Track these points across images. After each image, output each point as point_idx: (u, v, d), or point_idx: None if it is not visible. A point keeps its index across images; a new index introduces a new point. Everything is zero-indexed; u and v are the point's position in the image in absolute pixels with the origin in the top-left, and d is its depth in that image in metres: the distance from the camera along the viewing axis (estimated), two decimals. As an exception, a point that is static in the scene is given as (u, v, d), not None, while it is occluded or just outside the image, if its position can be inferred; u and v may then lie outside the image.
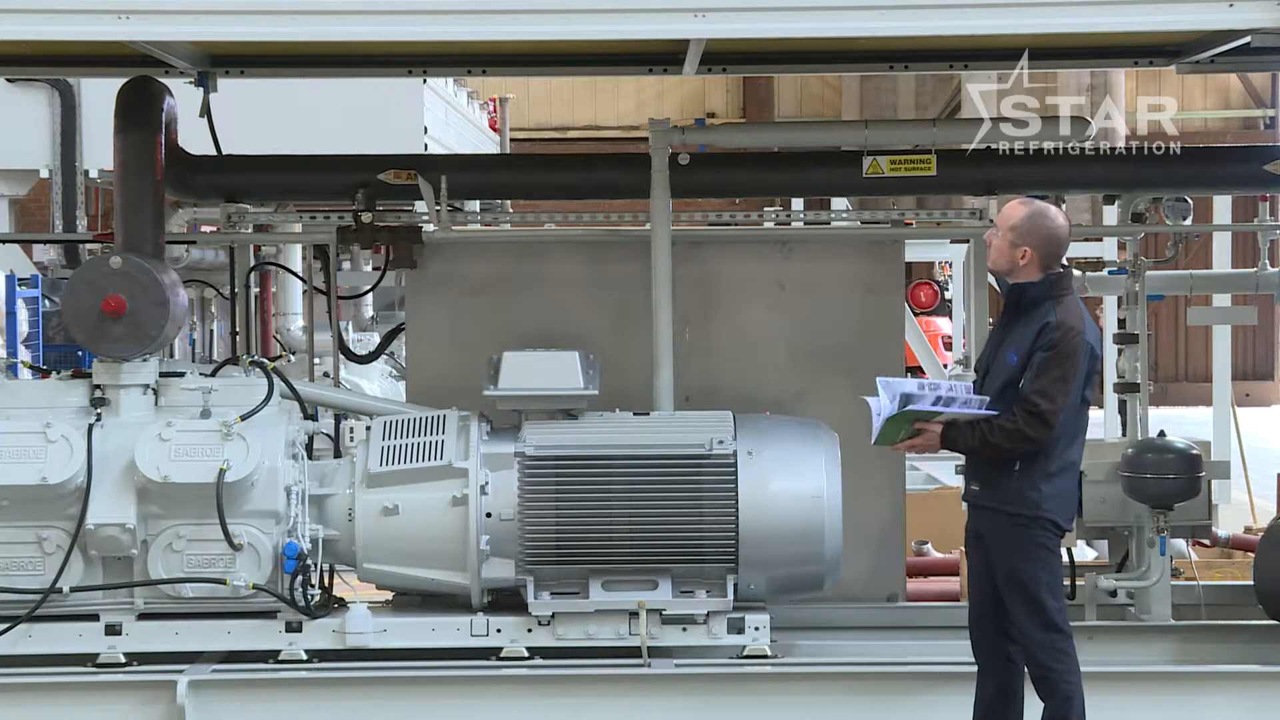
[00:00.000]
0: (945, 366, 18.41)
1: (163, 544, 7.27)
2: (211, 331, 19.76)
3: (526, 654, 7.37)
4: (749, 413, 7.64)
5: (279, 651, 7.38)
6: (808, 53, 8.10)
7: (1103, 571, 8.68)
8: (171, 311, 7.43)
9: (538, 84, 30.36)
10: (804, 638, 7.93)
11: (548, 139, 30.17)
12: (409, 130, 14.35)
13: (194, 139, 8.23)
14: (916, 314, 22.45)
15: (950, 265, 22.94)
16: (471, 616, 7.40)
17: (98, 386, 7.42)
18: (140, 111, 7.73)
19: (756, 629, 7.39)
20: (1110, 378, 13.93)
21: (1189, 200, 8.89)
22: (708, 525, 7.33)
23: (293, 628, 7.37)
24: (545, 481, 7.36)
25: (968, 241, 10.41)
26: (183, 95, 8.09)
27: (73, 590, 7.25)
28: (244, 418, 7.30)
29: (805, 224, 9.60)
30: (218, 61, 8.17)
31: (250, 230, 8.82)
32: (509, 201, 12.69)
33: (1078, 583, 8.39)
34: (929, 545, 11.42)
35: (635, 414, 7.61)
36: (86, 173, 15.20)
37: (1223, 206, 14.05)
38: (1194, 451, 8.22)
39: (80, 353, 11.09)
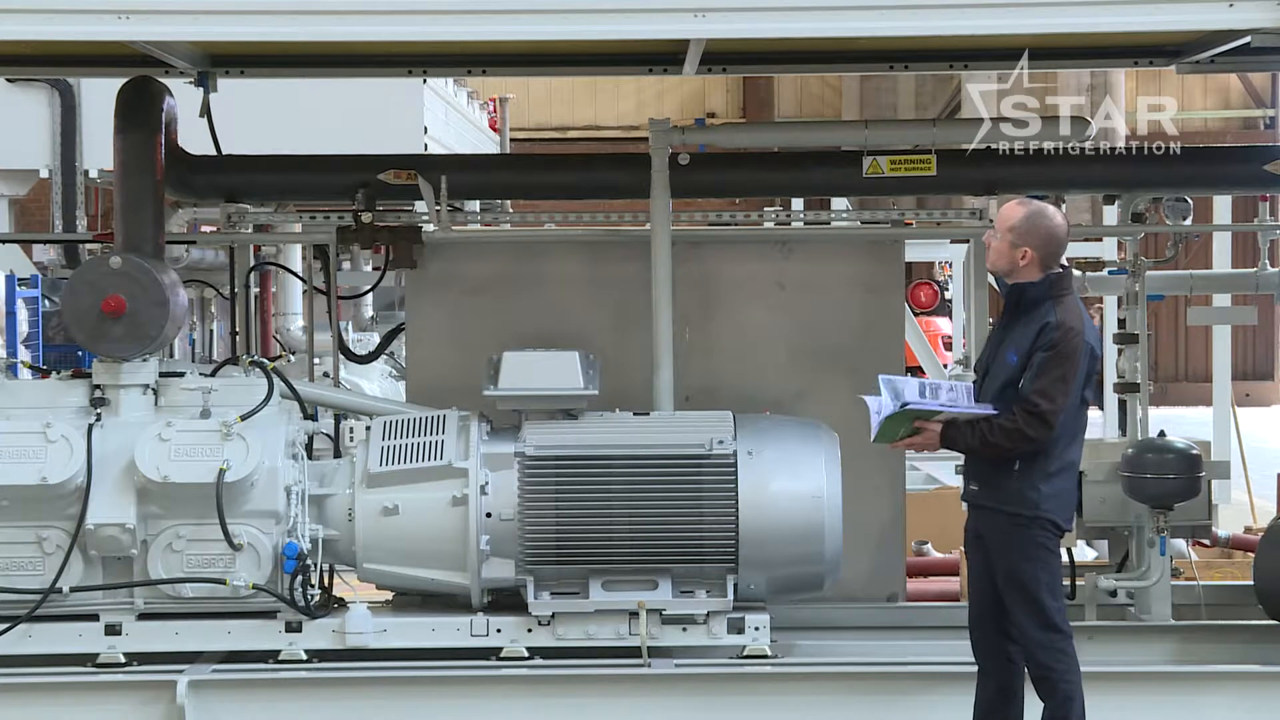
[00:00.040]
0: (945, 366, 18.41)
1: (163, 544, 7.27)
2: (211, 331, 19.76)
3: (526, 654, 7.37)
4: (749, 413, 7.64)
5: (279, 651, 7.38)
6: (808, 53, 8.10)
7: (1103, 571, 8.69)
8: (171, 311, 7.43)
9: (538, 84, 30.36)
10: (804, 638, 7.92)
11: (548, 139, 30.17)
12: (409, 130, 14.35)
13: (194, 139, 8.23)
14: (916, 314, 22.45)
15: (950, 265, 22.94)
16: (471, 616, 7.40)
17: (98, 386, 7.42)
18: (140, 111, 7.73)
19: (756, 629, 7.39)
20: (1110, 378, 13.95)
21: (1189, 200, 8.90)
22: (708, 525, 7.33)
23: (293, 628, 7.37)
24: (545, 481, 7.36)
25: (968, 241, 10.41)
26: (183, 95, 8.09)
27: (73, 590, 7.25)
28: (244, 418, 7.30)
29: (805, 224, 9.60)
30: (218, 61, 8.17)
31: (250, 230, 8.83)
32: (509, 201, 12.69)
33: (1078, 583, 8.39)
34: (929, 545, 11.42)
35: (635, 414, 7.61)
36: (86, 173, 15.20)
37: (1223, 206, 14.04)
38: (1194, 451, 8.22)
39: (80, 353, 11.10)
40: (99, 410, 7.37)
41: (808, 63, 8.60)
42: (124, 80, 7.81)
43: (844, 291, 8.53)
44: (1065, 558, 8.10)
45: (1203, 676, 7.47)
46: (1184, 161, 8.32)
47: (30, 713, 7.20)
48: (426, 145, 14.48)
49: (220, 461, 7.19)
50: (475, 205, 12.00)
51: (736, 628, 7.39)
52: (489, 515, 7.34)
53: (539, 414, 7.50)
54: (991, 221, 7.34)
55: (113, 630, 7.34)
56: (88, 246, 14.57)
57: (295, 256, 15.68)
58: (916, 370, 16.25)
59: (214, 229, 9.09)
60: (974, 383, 6.83)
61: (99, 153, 14.10)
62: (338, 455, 7.74)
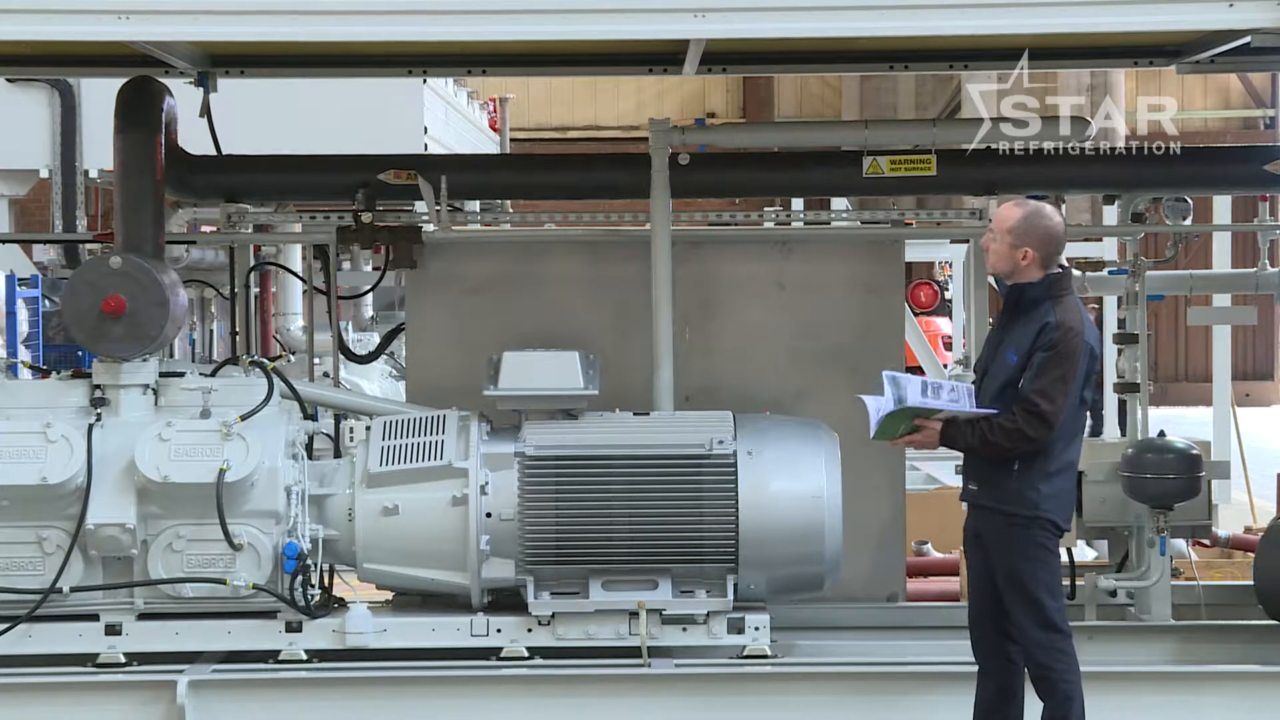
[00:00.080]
0: (945, 366, 18.41)
1: (163, 544, 7.27)
2: (211, 331, 19.76)
3: (526, 654, 7.37)
4: (749, 413, 7.64)
5: (279, 651, 7.38)
6: (808, 53, 8.10)
7: (1103, 571, 8.69)
8: (171, 311, 7.43)
9: (538, 84, 30.35)
10: (804, 638, 7.92)
11: (548, 139, 30.16)
12: (409, 130, 14.35)
13: (194, 139, 8.23)
14: (916, 314, 22.44)
15: (950, 265, 22.94)
16: (471, 616, 7.40)
17: (98, 386, 7.42)
18: (140, 111, 7.73)
19: (756, 629, 7.39)
20: (1110, 378, 13.95)
21: (1189, 200, 8.89)
22: (708, 525, 7.33)
23: (293, 628, 7.37)
24: (545, 481, 7.36)
25: (968, 241, 10.42)
26: (183, 95, 8.09)
27: (73, 590, 7.24)
28: (244, 418, 7.30)
29: (805, 224, 9.60)
30: (218, 61, 8.17)
31: (250, 230, 8.82)
32: (509, 201, 12.69)
33: (1078, 583, 8.40)
34: (929, 545, 11.42)
35: (635, 414, 7.61)
36: (86, 173, 15.20)
37: (1223, 206, 14.05)
38: (1194, 451, 8.23)
39: (80, 353, 11.10)
40: (99, 410, 7.37)
41: (808, 63, 8.60)
42: (124, 80, 7.81)
43: (844, 291, 8.53)
44: (1065, 558, 8.11)
45: (1203, 676, 7.47)
46: (1184, 161, 8.32)
47: (30, 713, 7.20)
48: (426, 145, 14.48)
49: (220, 461, 7.19)
50: (475, 205, 12.00)
51: (736, 628, 7.39)
52: (489, 515, 7.34)
53: (539, 414, 7.50)
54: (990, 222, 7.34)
55: (113, 630, 7.34)
56: (88, 246, 14.58)
57: (295, 256, 15.69)
58: (917, 370, 16.25)
59: (214, 229, 9.09)
60: (973, 383, 6.82)
61: (99, 153, 14.10)
62: (338, 455, 7.74)
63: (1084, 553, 10.19)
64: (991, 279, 7.21)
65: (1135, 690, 7.35)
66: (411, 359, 8.78)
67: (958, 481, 7.90)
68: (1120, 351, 9.07)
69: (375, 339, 13.67)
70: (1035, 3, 6.60)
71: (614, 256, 8.46)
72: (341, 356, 9.03)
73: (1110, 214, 10.64)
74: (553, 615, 7.36)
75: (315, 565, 7.36)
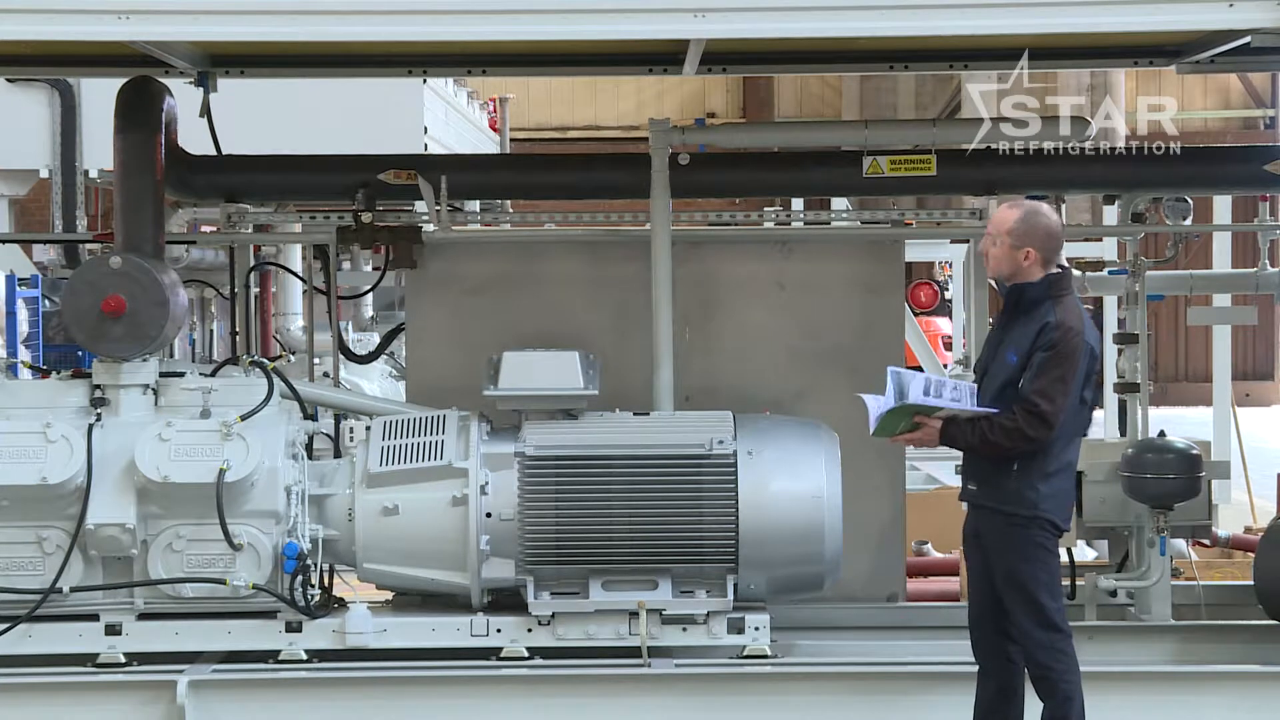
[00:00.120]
0: (945, 366, 18.41)
1: (163, 544, 7.27)
2: (211, 331, 19.76)
3: (526, 654, 7.37)
4: (749, 413, 7.64)
5: (279, 651, 7.38)
6: (808, 53, 8.10)
7: (1103, 571, 8.69)
8: (171, 311, 7.43)
9: (538, 84, 30.35)
10: (804, 638, 7.92)
11: (548, 139, 30.17)
12: (409, 130, 14.35)
13: (194, 139, 8.23)
14: (916, 314, 22.43)
15: (950, 265, 22.94)
16: (471, 616, 7.40)
17: (98, 386, 7.42)
18: (140, 111, 7.73)
19: (756, 629, 7.39)
20: (1110, 378, 13.95)
21: (1189, 200, 8.89)
22: (708, 525, 7.33)
23: (293, 628, 7.37)
24: (545, 481, 7.36)
25: (968, 241, 10.41)
26: (183, 95, 8.09)
27: (73, 590, 7.25)
28: (244, 418, 7.30)
29: (805, 224, 9.60)
30: (218, 61, 8.17)
31: (250, 230, 8.82)
32: (509, 201, 12.69)
33: (1078, 583, 8.40)
34: (929, 545, 11.42)
35: (635, 414, 7.61)
36: (86, 173, 15.20)
37: (1223, 206, 14.05)
38: (1194, 451, 8.23)
39: (80, 353, 11.10)
40: (99, 410, 7.37)
41: (808, 63, 8.60)
42: (124, 80, 7.81)
43: (844, 291, 8.53)
44: (1065, 558, 8.11)
45: (1203, 676, 7.47)
46: (1184, 161, 8.32)
47: (30, 713, 7.20)
48: (426, 145, 14.48)
49: (220, 461, 7.19)
50: (475, 205, 12.00)
51: (736, 628, 7.39)
52: (489, 515, 7.34)
53: (539, 414, 7.50)
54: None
55: (113, 630, 7.34)
56: (88, 246, 14.57)
57: (295, 256, 15.68)
58: (917, 370, 16.24)
59: (214, 229, 9.09)
60: (973, 383, 6.82)
61: (99, 153, 14.10)
62: (338, 455, 7.74)
63: (1084, 553, 10.19)
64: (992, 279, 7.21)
65: (1135, 690, 7.35)
66: (411, 359, 8.78)
67: (957, 481, 7.90)
68: (1120, 351, 9.07)
69: (375, 339, 13.67)
70: (1035, 3, 6.60)
71: (614, 256, 8.46)
72: (341, 356, 9.03)
73: (1110, 214, 10.64)
74: (553, 615, 7.36)
75: (315, 565, 7.36)
